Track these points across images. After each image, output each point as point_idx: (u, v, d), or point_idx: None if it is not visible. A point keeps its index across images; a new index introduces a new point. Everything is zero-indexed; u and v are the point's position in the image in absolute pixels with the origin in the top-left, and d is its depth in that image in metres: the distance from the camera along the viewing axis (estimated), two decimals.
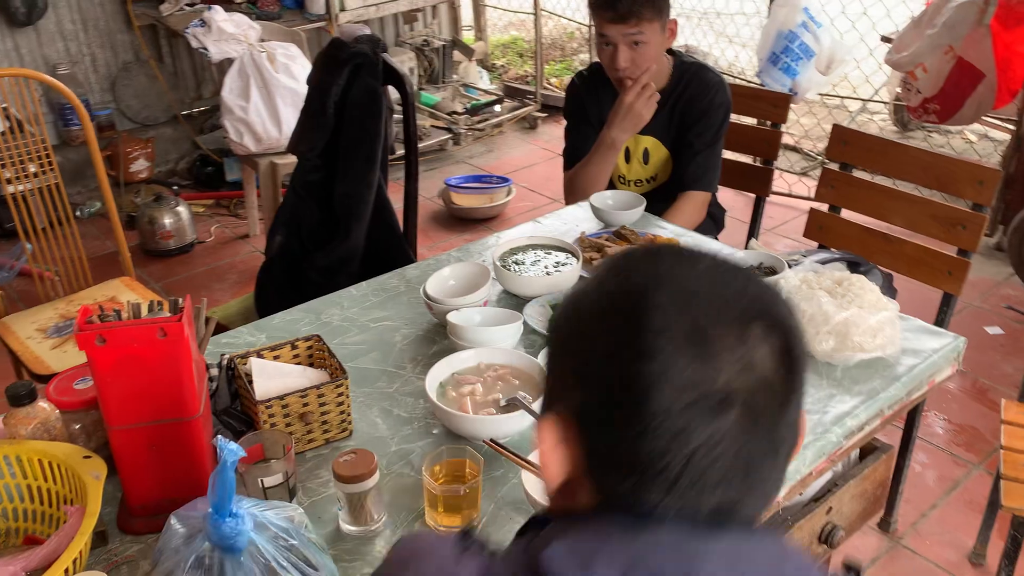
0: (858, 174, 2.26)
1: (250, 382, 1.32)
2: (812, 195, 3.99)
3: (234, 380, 1.37)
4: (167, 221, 3.75)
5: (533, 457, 1.20)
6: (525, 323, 1.54)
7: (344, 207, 2.35)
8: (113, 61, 4.29)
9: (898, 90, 4.53)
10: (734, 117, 2.33)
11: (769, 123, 2.54)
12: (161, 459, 1.14)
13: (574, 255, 1.75)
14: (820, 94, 4.19)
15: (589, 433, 0.62)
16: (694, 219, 2.21)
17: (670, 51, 2.23)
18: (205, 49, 3.47)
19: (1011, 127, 3.78)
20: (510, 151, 4.89)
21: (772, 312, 0.63)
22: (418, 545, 0.69)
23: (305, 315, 1.70)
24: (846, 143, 2.23)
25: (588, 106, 2.34)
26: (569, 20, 5.77)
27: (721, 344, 0.59)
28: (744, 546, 0.61)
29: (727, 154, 2.40)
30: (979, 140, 4.54)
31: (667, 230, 1.99)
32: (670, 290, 0.61)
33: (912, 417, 2.09)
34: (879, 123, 4.88)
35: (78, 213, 3.95)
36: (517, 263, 1.74)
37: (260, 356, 1.38)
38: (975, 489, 2.45)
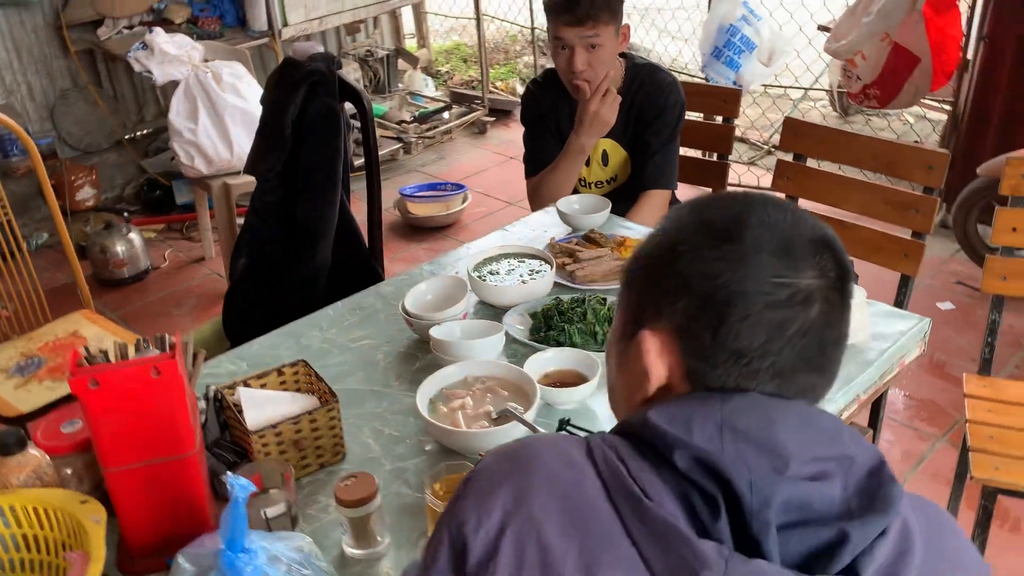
0: (812, 164, 2.32)
1: (240, 412, 1.32)
2: (759, 184, 4.11)
3: (223, 411, 1.36)
4: (119, 249, 3.68)
5: None
6: (506, 333, 1.55)
7: (308, 226, 2.33)
8: (50, 88, 4.19)
9: (839, 77, 4.66)
10: (687, 114, 2.38)
11: (721, 118, 2.59)
12: (159, 498, 1.13)
13: (547, 262, 1.77)
14: (763, 85, 4.28)
15: (695, 338, 0.72)
16: (657, 217, 2.24)
17: (622, 54, 2.27)
18: (149, 72, 3.42)
19: (948, 108, 3.91)
20: (461, 157, 4.90)
21: (830, 238, 0.75)
22: (523, 448, 0.75)
23: (284, 339, 1.70)
24: (798, 134, 2.29)
25: (545, 112, 2.37)
26: (512, 23, 5.80)
27: (802, 255, 0.72)
28: (812, 412, 0.73)
29: (683, 151, 2.44)
30: (917, 121, 4.68)
31: (633, 230, 2.03)
32: (760, 218, 0.73)
33: (879, 397, 2.15)
34: (821, 110, 5.00)
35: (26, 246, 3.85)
36: (492, 273, 1.76)
37: (247, 385, 1.38)
38: (940, 462, 2.54)
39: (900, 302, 2.15)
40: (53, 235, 3.95)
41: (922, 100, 3.87)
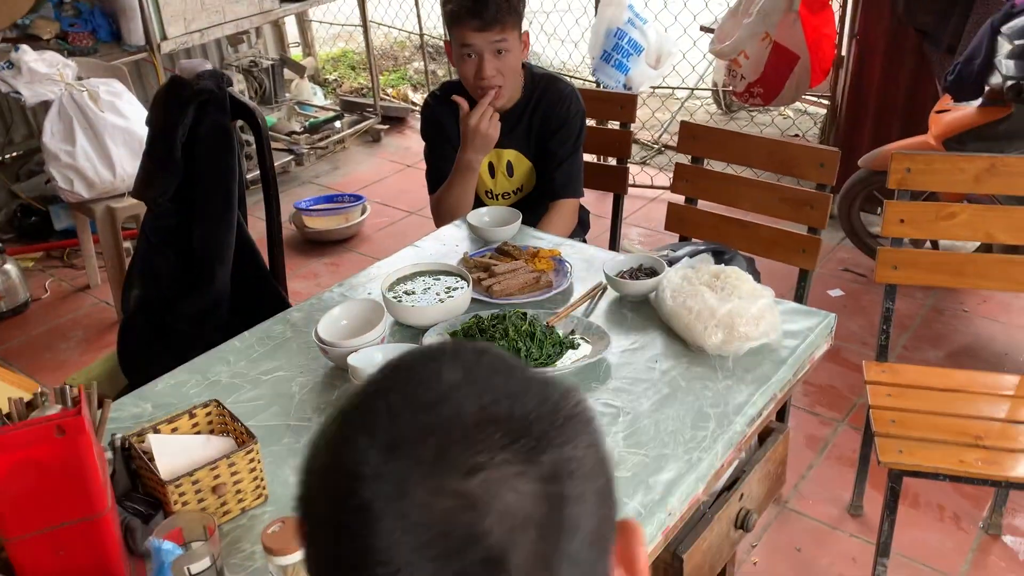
0: (710, 165, 2.38)
1: (152, 461, 1.24)
2: (654, 183, 4.18)
3: (131, 460, 1.28)
4: None
5: None
6: None
7: (205, 251, 2.24)
8: None
9: (724, 76, 4.80)
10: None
11: (618, 123, 2.62)
12: (70, 564, 1.05)
13: (463, 278, 1.75)
14: (652, 87, 4.37)
15: None
16: (568, 226, 2.26)
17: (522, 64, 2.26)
18: (17, 93, 3.21)
19: (826, 102, 4.08)
20: (357, 167, 4.82)
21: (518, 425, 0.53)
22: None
23: (190, 375, 1.61)
24: (695, 138, 2.34)
25: (446, 125, 2.32)
26: (400, 30, 5.74)
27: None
28: None
29: (584, 157, 2.46)
30: (798, 116, 4.87)
31: (544, 240, 2.03)
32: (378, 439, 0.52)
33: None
34: (707, 108, 5.15)
35: None
36: (407, 293, 1.72)
37: (157, 431, 1.30)
38: (844, 444, 2.64)
39: (800, 296, 2.23)
40: None
41: (803, 96, 4.03)
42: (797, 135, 4.83)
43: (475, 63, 2.10)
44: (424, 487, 0.50)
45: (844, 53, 3.75)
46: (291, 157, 4.71)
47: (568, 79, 2.36)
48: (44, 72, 3.25)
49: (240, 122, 2.33)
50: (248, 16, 4.19)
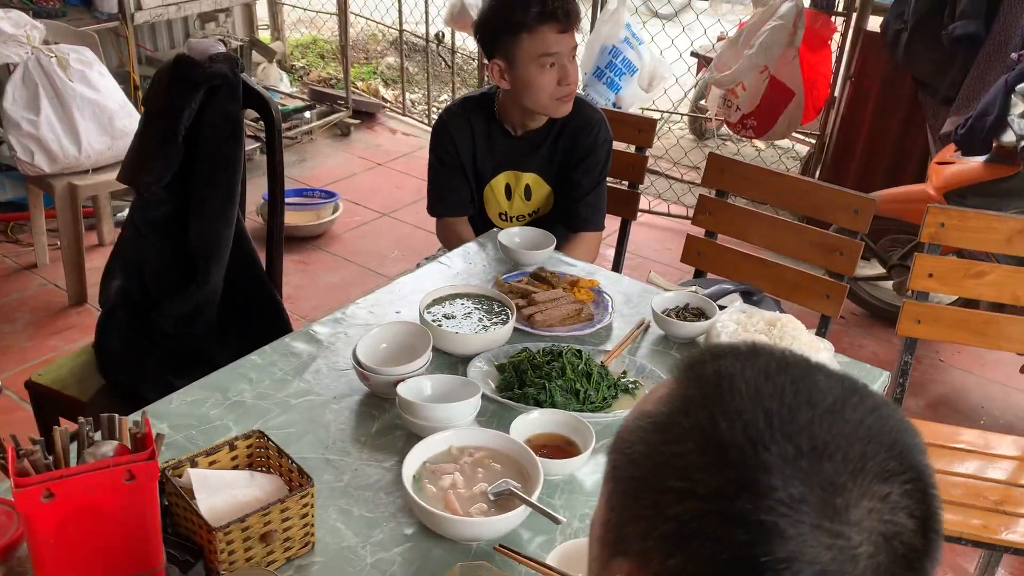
0: (733, 200, 2.32)
1: (192, 498, 1.09)
2: (651, 207, 4.12)
3: (164, 495, 1.13)
4: None
5: (552, 560, 1.08)
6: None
7: (201, 247, 2.06)
8: None
9: (702, 102, 4.79)
10: None
11: (633, 147, 2.53)
12: None
13: (505, 305, 1.64)
14: (641, 108, 4.31)
15: None
16: (590, 258, 2.16)
17: None
18: None
19: (811, 141, 4.10)
20: (325, 160, 4.63)
21: (913, 461, 0.53)
22: None
23: (208, 393, 1.45)
24: (722, 170, 2.28)
25: (459, 146, 2.16)
26: (379, 23, 5.55)
27: (858, 511, 0.50)
28: None
29: None
30: (767, 148, 4.89)
31: (577, 267, 1.92)
32: (794, 440, 0.51)
33: None
34: (677, 132, 5.12)
35: None
36: (447, 317, 1.60)
37: (195, 463, 1.15)
38: None
39: None
40: None
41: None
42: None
43: (555, 72, 1.96)
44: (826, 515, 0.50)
45: (837, 93, 3.77)
46: (256, 145, 4.49)
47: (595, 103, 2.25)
48: (9, 32, 2.98)
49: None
50: None
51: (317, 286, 3.51)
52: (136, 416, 1.35)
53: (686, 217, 4.17)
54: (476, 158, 2.19)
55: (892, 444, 0.53)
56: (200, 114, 2.02)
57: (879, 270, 3.41)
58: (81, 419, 0.94)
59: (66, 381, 2.08)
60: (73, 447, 0.96)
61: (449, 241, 2.20)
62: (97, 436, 0.98)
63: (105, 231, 3.61)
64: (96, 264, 3.35)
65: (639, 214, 2.58)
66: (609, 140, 2.19)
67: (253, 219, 3.87)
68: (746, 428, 0.52)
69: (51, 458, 0.87)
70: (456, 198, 2.20)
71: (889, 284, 3.42)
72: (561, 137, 2.15)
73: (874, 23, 3.63)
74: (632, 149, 2.50)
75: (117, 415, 0.94)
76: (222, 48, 2.06)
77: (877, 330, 3.49)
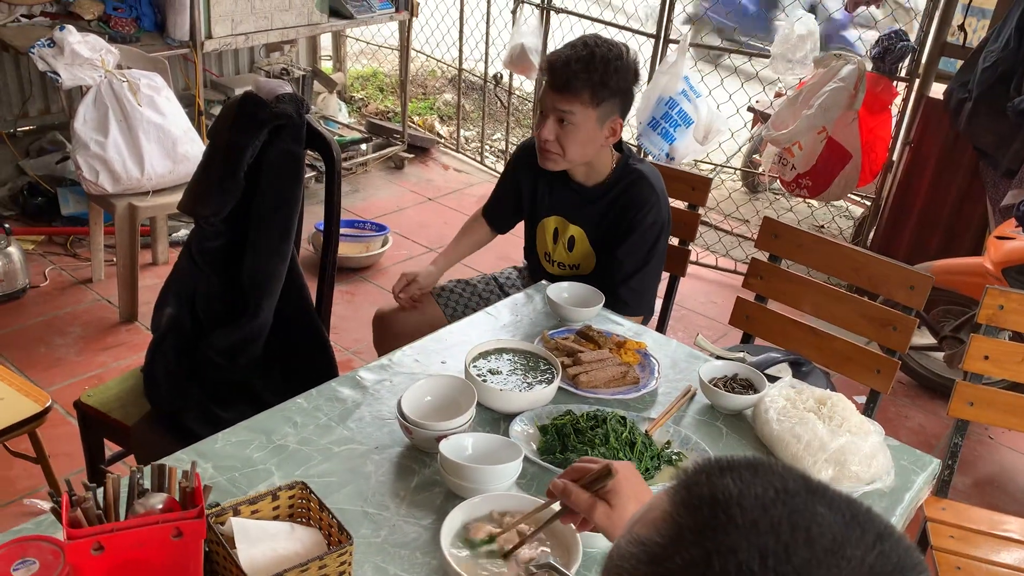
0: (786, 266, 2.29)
1: (232, 547, 1.10)
2: (698, 259, 4.10)
3: (206, 541, 1.13)
4: None
5: None
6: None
7: (254, 282, 2.09)
8: None
9: (756, 156, 4.77)
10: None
11: (686, 204, 2.53)
12: None
13: (551, 363, 1.63)
14: (695, 160, 4.31)
15: None
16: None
17: (619, 147, 2.15)
18: (56, 74, 3.04)
19: (867, 203, 4.05)
20: (377, 192, 4.69)
21: None
22: None
23: (252, 435, 1.47)
24: (776, 236, 2.26)
25: (521, 178, 2.31)
26: (439, 61, 5.64)
27: None
28: None
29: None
30: (821, 207, 4.84)
31: (624, 327, 1.92)
32: None
33: None
34: (728, 186, 5.10)
35: None
36: (493, 372, 1.60)
37: (237, 512, 1.16)
38: None
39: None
40: None
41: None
42: (821, 227, 4.80)
43: (541, 121, 2.07)
44: None
45: (895, 158, 3.73)
46: (312, 174, 4.57)
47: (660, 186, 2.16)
48: (86, 56, 3.09)
49: None
50: (295, 26, 4.07)
51: (361, 318, 3.54)
52: (186, 465, 1.37)
53: (734, 271, 4.15)
54: (536, 193, 2.26)
55: None
56: (263, 152, 2.06)
57: (929, 339, 3.34)
58: (133, 468, 0.95)
59: (113, 404, 2.11)
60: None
61: (466, 228, 2.49)
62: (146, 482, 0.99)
63: (160, 251, 3.69)
64: (149, 283, 3.43)
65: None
66: (660, 224, 2.12)
67: (304, 247, 3.93)
68: (740, 569, 0.50)
69: (101, 504, 0.88)
70: (498, 209, 2.43)
71: (939, 355, 3.35)
72: (615, 204, 2.13)
73: (937, 90, 3.60)
74: (685, 206, 2.50)
75: (167, 465, 0.96)
76: (289, 89, 2.11)
77: (924, 401, 3.41)
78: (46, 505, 2.40)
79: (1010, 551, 2.00)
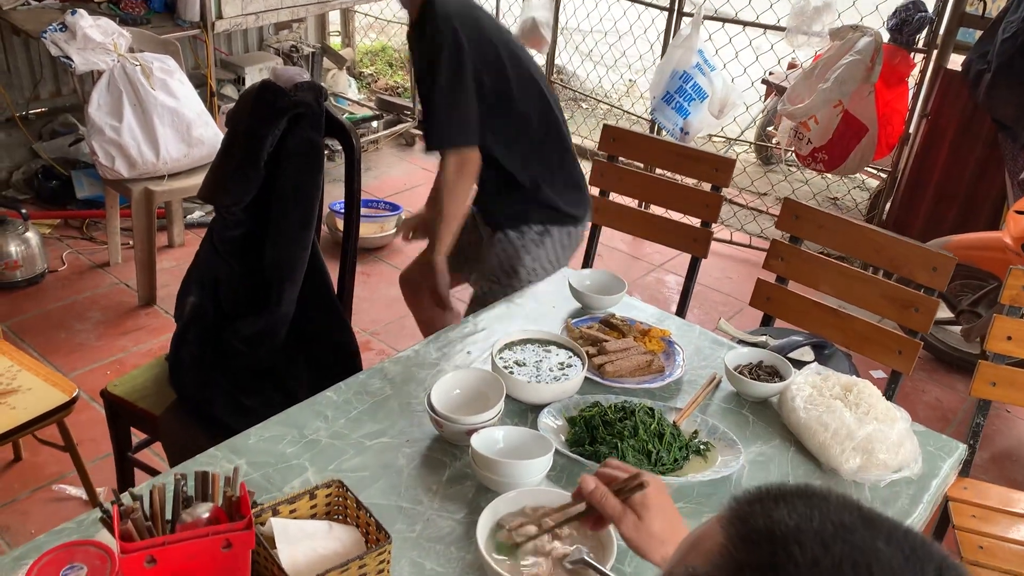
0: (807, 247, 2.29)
1: (272, 547, 1.11)
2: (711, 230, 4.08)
3: None
4: (13, 248, 3.26)
5: None
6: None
7: (277, 271, 2.10)
8: None
9: (770, 129, 4.73)
10: (675, 177, 2.29)
11: (709, 185, 2.51)
12: None
13: (576, 353, 1.64)
14: (708, 134, 4.28)
15: None
16: (451, 183, 2.19)
17: None
18: (68, 59, 3.03)
19: (883, 176, 4.03)
20: (389, 170, 4.68)
21: None
22: None
23: (285, 430, 1.48)
24: (798, 217, 2.25)
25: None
26: None
27: None
28: None
29: (669, 215, 2.34)
30: (836, 180, 4.81)
31: (646, 312, 1.92)
32: None
33: None
34: (743, 159, 5.06)
35: None
36: (519, 364, 1.60)
37: (276, 512, 1.17)
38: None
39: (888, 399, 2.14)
40: None
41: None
42: (835, 199, 4.77)
43: None
44: None
45: (912, 131, 3.70)
46: (326, 152, 4.55)
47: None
48: (98, 40, 3.07)
49: None
50: (305, 4, 4.04)
51: (377, 299, 3.55)
52: (220, 460, 1.39)
53: (749, 246, 4.14)
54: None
55: None
56: (282, 140, 2.06)
57: (947, 314, 3.34)
58: (176, 475, 0.96)
59: (139, 393, 2.13)
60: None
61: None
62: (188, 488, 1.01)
63: (176, 233, 3.69)
64: (166, 265, 3.45)
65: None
66: (439, 35, 2.07)
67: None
68: None
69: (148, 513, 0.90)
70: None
71: (957, 329, 3.34)
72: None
73: (955, 61, 3.55)
74: (708, 187, 2.49)
75: (211, 472, 0.97)
76: (307, 77, 2.10)
77: (940, 375, 3.41)
78: (74, 491, 2.44)
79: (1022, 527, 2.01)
